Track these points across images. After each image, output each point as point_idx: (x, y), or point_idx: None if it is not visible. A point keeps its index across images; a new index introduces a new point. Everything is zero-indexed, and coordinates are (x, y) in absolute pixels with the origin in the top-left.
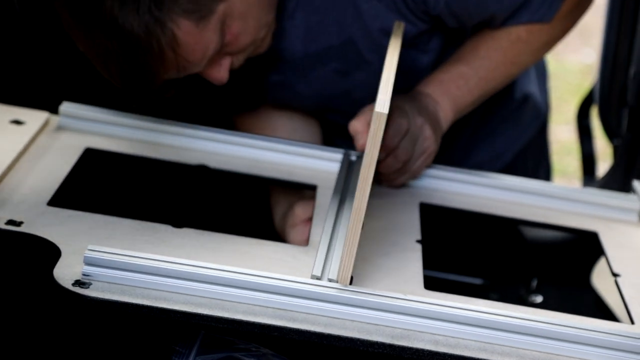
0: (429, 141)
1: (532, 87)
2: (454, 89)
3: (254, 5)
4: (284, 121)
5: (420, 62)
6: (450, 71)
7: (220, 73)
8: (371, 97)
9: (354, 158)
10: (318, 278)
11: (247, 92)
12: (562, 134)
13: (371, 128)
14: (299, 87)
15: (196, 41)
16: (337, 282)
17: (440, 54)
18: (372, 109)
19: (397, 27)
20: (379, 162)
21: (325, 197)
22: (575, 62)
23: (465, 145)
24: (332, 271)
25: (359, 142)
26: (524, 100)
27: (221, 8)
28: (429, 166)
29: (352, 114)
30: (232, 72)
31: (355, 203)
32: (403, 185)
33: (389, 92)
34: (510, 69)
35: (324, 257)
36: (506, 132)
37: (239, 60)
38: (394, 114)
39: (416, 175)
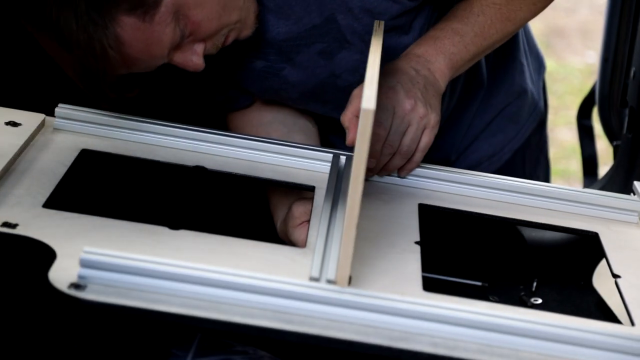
0: (425, 119)
1: (529, 84)
2: (449, 45)
3: None
4: (279, 119)
5: (402, 43)
6: (444, 28)
7: (194, 60)
8: (357, 83)
9: (343, 158)
10: (316, 280)
11: (233, 84)
12: (564, 135)
13: (360, 125)
14: (285, 73)
15: (146, 37)
16: (335, 283)
17: (423, 33)
18: (360, 97)
19: (378, 26)
20: (374, 154)
21: (323, 198)
22: (577, 63)
23: (464, 143)
24: (330, 272)
25: (348, 137)
26: (521, 94)
27: (168, 0)
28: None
29: (344, 104)
30: (217, 63)
31: (349, 201)
32: (405, 174)
33: (374, 88)
34: (506, 26)
35: (321, 258)
36: (505, 129)
37: (214, 44)
38: (380, 100)
39: (424, 150)
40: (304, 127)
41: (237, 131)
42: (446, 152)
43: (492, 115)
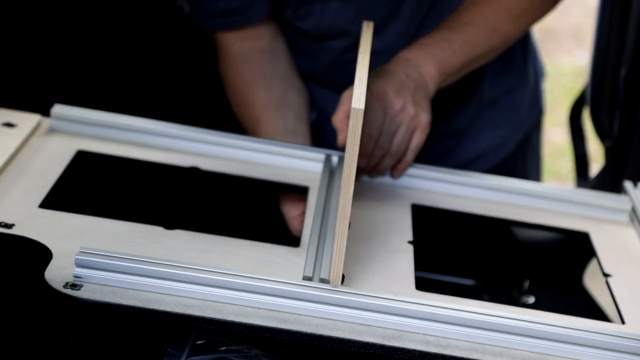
0: (415, 120)
1: (531, 76)
2: (438, 51)
3: None
4: (279, 75)
5: None
6: (433, 36)
7: None
8: None
9: (336, 158)
10: (310, 279)
11: None
12: (555, 136)
13: (350, 124)
14: None
15: None
16: (328, 281)
17: None
18: (350, 98)
19: (367, 27)
20: (365, 153)
21: (316, 197)
22: (568, 65)
23: (475, 117)
24: (324, 271)
25: (340, 137)
26: (523, 81)
27: None
28: (425, 138)
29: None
30: None
31: (340, 201)
32: (398, 175)
33: (363, 88)
34: (492, 37)
35: (314, 257)
36: (509, 120)
37: None
38: (371, 102)
39: (415, 151)
40: (300, 87)
41: (235, 77)
42: (458, 121)
43: (499, 92)
